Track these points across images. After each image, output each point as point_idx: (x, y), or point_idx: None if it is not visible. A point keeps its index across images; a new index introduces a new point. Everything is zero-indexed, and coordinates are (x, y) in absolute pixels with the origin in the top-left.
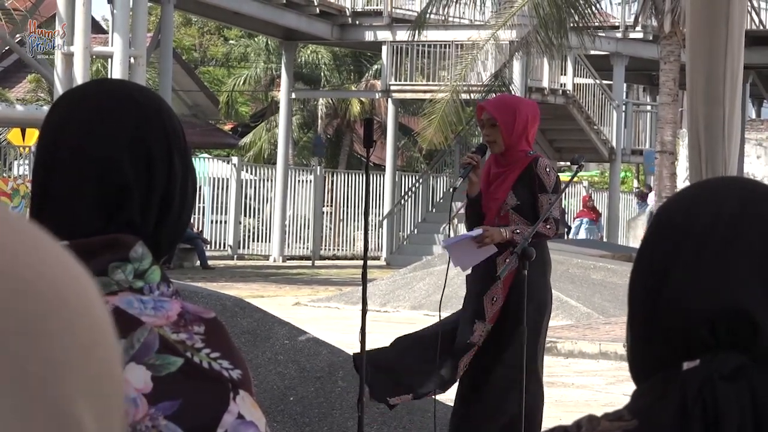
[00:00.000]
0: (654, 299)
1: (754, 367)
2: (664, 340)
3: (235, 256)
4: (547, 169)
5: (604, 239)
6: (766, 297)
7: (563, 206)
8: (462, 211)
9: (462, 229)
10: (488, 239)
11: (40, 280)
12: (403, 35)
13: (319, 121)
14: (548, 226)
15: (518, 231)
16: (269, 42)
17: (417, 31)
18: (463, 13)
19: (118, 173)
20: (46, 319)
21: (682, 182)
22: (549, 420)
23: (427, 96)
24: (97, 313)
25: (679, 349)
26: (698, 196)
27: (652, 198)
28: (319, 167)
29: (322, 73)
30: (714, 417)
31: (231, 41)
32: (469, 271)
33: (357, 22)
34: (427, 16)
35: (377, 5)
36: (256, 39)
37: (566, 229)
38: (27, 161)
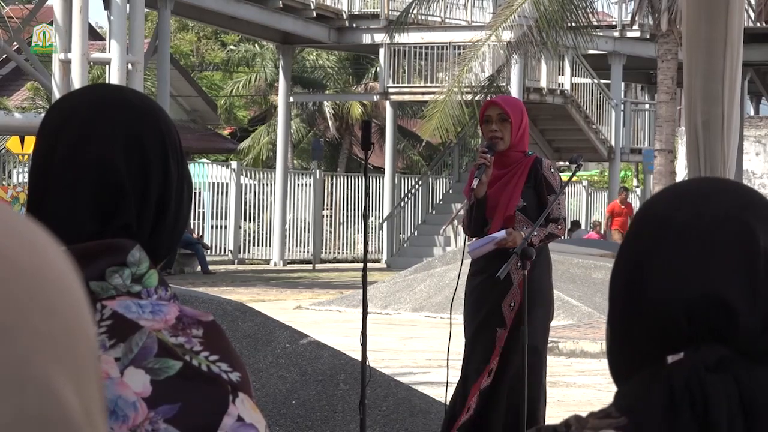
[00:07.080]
0: (633, 292)
1: (738, 358)
2: (644, 335)
3: (236, 261)
4: (552, 170)
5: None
6: (744, 286)
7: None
8: (462, 212)
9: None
10: (511, 243)
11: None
12: (400, 38)
13: (329, 122)
14: (559, 227)
15: (535, 234)
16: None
17: (391, 34)
18: (453, 13)
19: (113, 177)
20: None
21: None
22: (551, 420)
23: (426, 98)
24: (68, 285)
25: (661, 343)
26: (682, 194)
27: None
28: (318, 170)
29: (326, 77)
30: (703, 409)
31: (231, 46)
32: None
33: (354, 25)
34: (412, 16)
35: (374, 8)
36: (254, 44)
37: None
38: (26, 169)
